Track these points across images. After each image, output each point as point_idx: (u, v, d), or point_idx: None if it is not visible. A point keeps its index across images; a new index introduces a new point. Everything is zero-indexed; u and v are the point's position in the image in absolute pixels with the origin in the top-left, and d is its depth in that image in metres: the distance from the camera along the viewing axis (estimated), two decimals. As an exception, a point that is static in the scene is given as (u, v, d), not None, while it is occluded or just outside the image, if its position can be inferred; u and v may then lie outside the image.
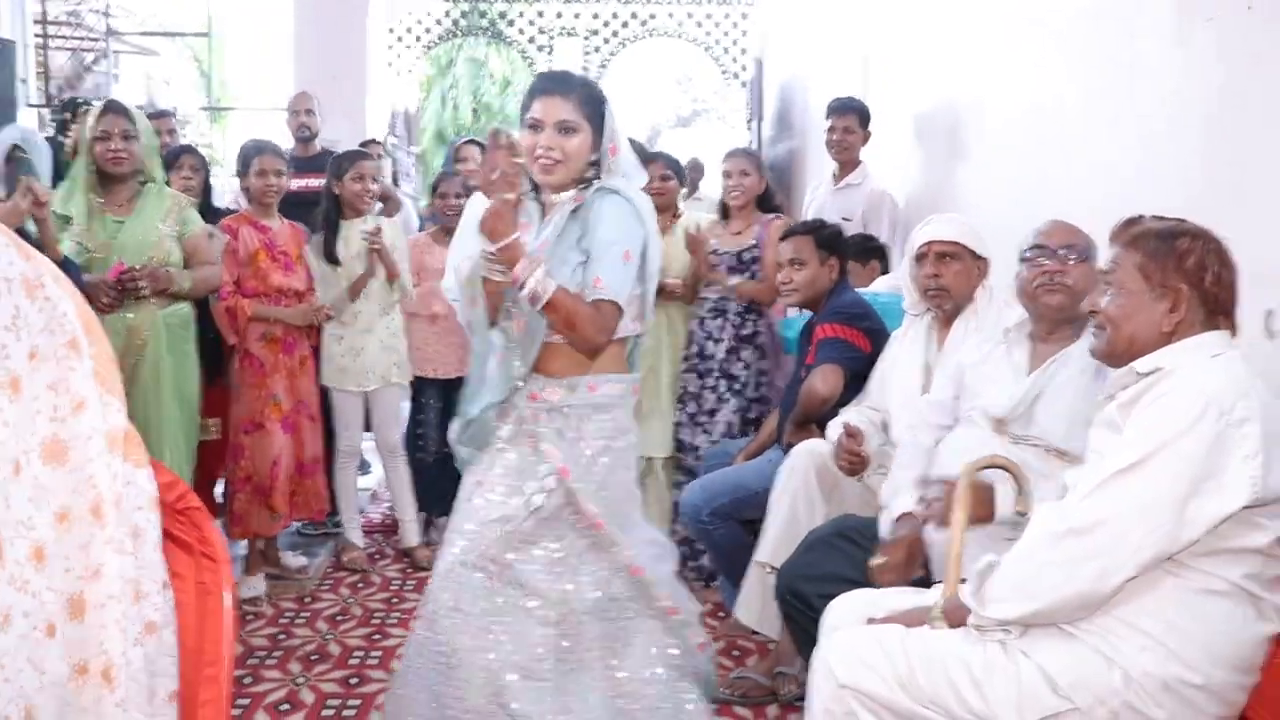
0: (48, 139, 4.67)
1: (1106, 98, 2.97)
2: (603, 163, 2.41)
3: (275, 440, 3.96)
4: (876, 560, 2.40)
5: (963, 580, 1.99)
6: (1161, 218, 1.92)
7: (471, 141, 5.47)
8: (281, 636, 3.70)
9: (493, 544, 2.38)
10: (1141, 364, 1.82)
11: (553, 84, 2.40)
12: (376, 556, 4.56)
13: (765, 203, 4.31)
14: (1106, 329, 1.88)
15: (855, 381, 3.31)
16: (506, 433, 2.43)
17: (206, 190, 4.49)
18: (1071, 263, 2.38)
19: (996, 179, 3.81)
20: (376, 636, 3.71)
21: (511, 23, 8.51)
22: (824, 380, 3.26)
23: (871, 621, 2.06)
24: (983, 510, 2.17)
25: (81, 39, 10.19)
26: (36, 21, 8.61)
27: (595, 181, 2.41)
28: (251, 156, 4.09)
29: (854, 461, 2.89)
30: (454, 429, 2.52)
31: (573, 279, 2.33)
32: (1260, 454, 1.64)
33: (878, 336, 3.39)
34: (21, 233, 3.02)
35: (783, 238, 3.67)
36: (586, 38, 8.43)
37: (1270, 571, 1.71)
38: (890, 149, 4.88)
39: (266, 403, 3.95)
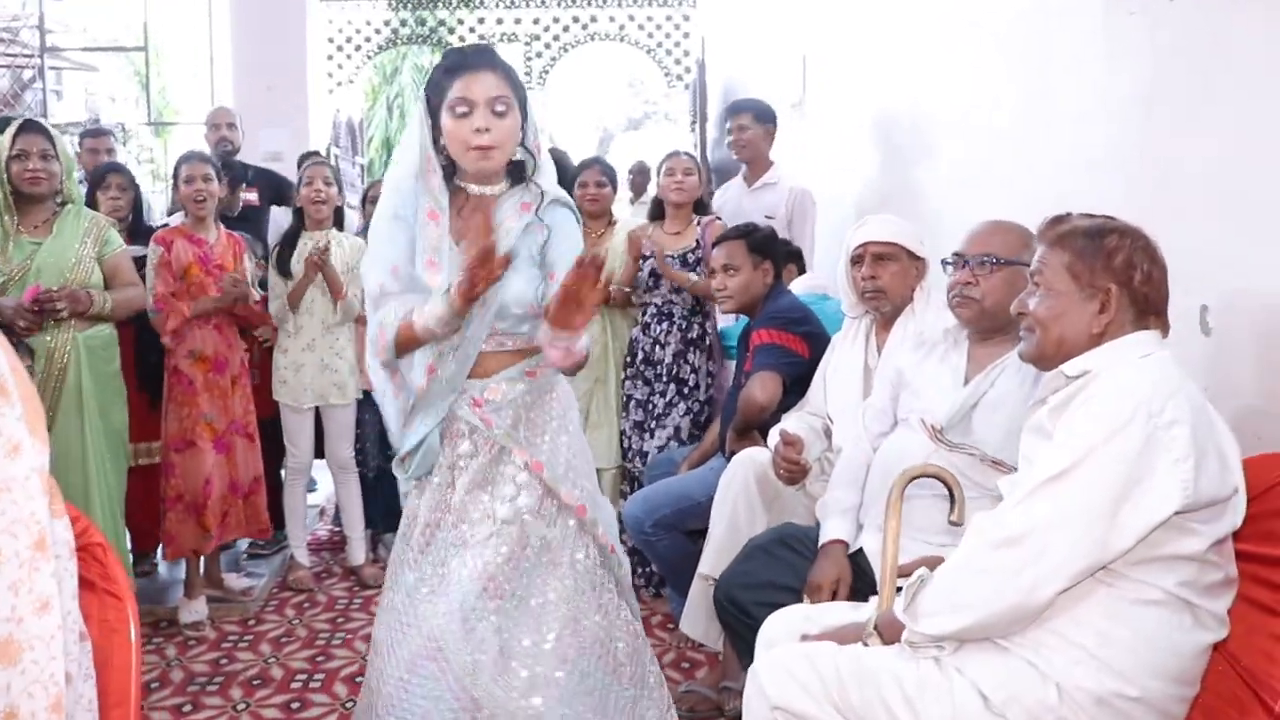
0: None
1: (1043, 97, 2.97)
2: (535, 158, 2.28)
3: (206, 459, 3.85)
4: (807, 586, 2.38)
5: (899, 590, 1.95)
6: (1090, 215, 1.88)
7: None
8: (223, 661, 3.60)
9: (497, 580, 2.22)
10: (1070, 367, 1.78)
11: (479, 59, 2.19)
12: (323, 575, 4.47)
13: (700, 205, 4.28)
14: (1035, 331, 1.84)
15: (796, 386, 3.26)
16: (465, 448, 2.28)
17: (137, 209, 4.39)
18: (987, 272, 2.33)
19: (936, 179, 3.81)
20: (320, 659, 3.62)
21: (452, 30, 8.42)
22: (762, 388, 3.21)
23: (805, 638, 2.01)
24: None
25: (16, 55, 9.96)
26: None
27: (534, 185, 2.28)
28: (180, 165, 4.01)
29: (793, 470, 2.84)
30: (395, 466, 2.38)
31: (536, 295, 2.23)
32: (1190, 457, 1.60)
33: (816, 340, 3.35)
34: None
35: (714, 243, 3.62)
36: (528, 43, 8.35)
37: (1206, 578, 1.67)
38: (828, 148, 4.86)
39: (197, 421, 3.84)
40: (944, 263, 2.46)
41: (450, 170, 2.28)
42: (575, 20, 8.37)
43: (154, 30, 9.81)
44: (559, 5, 8.35)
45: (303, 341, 4.20)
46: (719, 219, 4.25)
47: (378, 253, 2.27)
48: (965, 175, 3.51)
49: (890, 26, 4.27)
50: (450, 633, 2.16)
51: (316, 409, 4.29)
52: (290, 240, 4.22)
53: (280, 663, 3.58)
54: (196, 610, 3.91)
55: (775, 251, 3.57)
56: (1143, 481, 1.60)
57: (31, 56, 9.79)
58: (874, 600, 2.05)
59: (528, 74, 8.41)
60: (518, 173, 2.31)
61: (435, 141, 2.25)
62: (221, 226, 4.06)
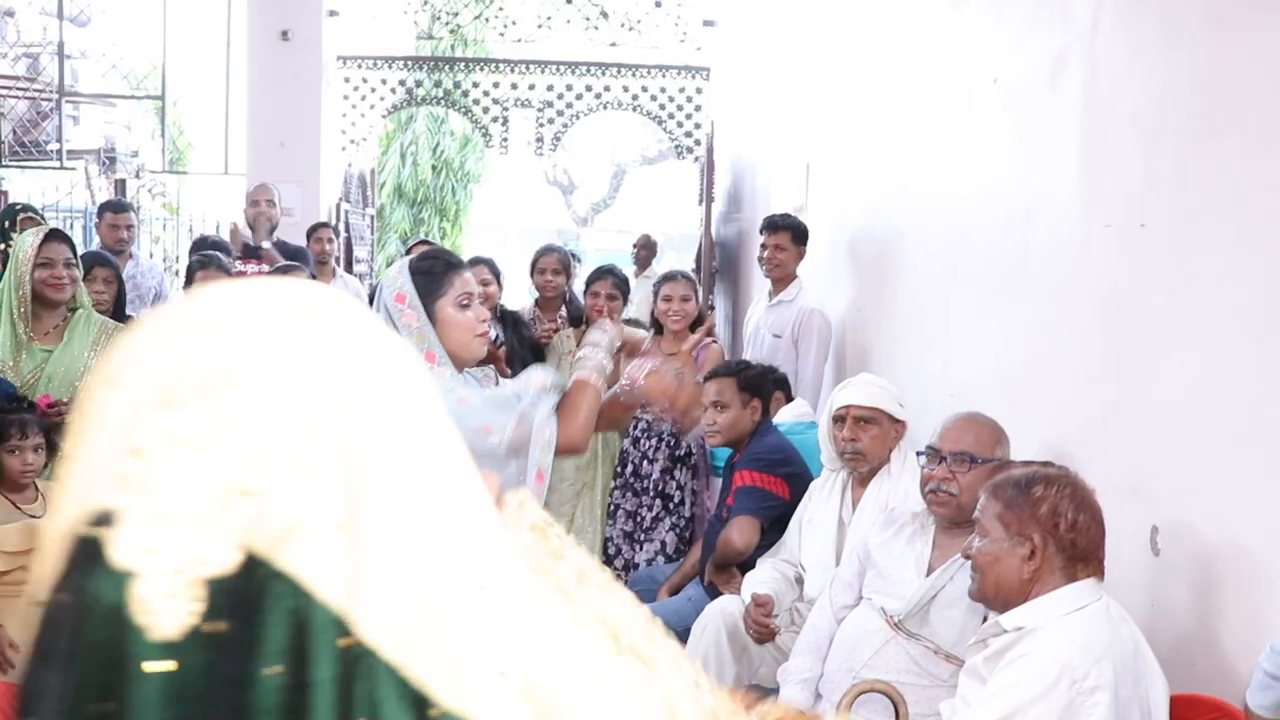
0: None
1: (1021, 259, 3.04)
2: None
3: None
4: None
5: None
6: (1028, 463, 2.01)
7: (424, 242, 5.52)
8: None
9: None
10: (1006, 619, 1.89)
11: (467, 260, 2.46)
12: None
13: (695, 325, 4.40)
14: (977, 574, 1.96)
15: (775, 525, 3.37)
16: None
17: (119, 301, 4.28)
18: (964, 469, 2.44)
19: (931, 292, 3.85)
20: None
21: (466, 93, 8.57)
22: (740, 533, 3.32)
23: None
24: None
25: (40, 91, 10.14)
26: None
27: None
28: (195, 270, 4.13)
29: (762, 632, 2.96)
30: None
31: None
32: (1109, 723, 1.71)
33: (797, 481, 3.46)
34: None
35: (706, 378, 3.73)
36: (540, 109, 8.51)
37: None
38: (826, 260, 4.96)
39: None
40: (919, 454, 2.58)
41: None
42: (588, 89, 8.52)
43: (171, 72, 9.96)
44: (573, 73, 8.51)
45: None
46: (715, 341, 4.36)
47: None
48: (950, 307, 3.59)
49: (889, 146, 4.38)
50: None
51: None
52: None
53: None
54: None
55: (765, 389, 3.69)
56: None
57: (52, 96, 9.93)
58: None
59: (539, 140, 8.56)
60: None
61: None
62: None
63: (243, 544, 0.58)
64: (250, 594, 0.58)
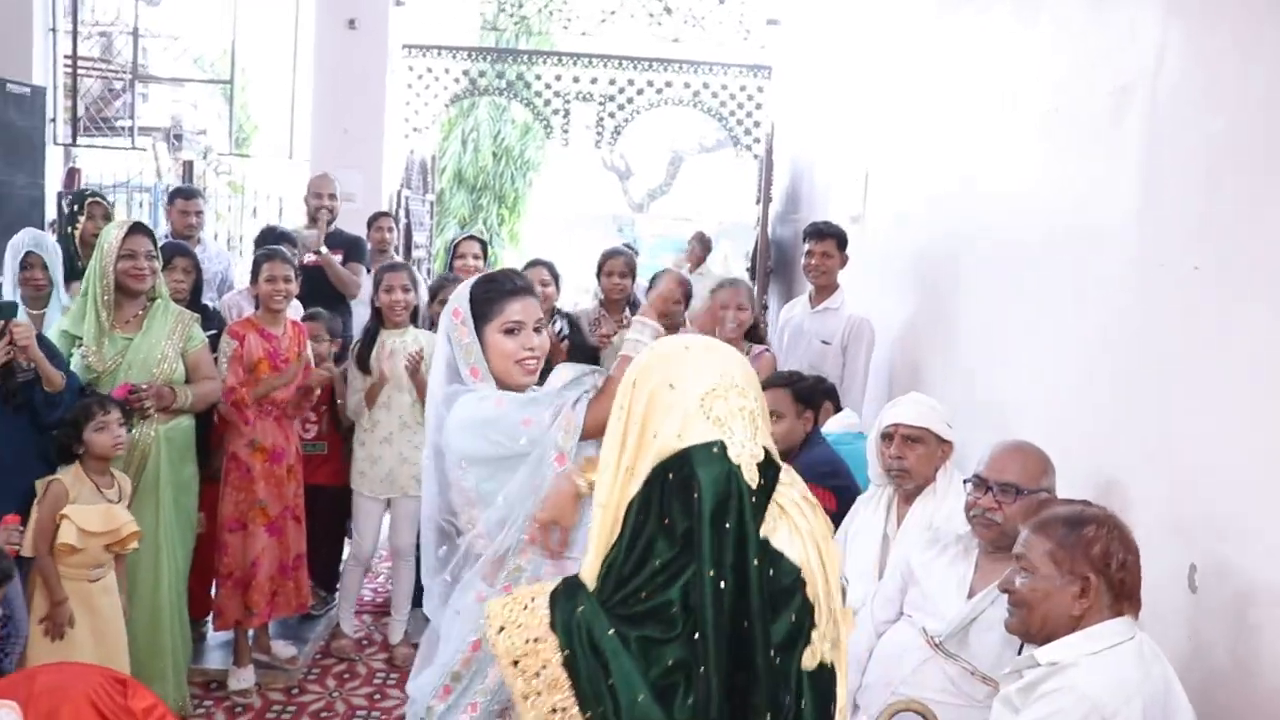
0: (60, 233, 4.84)
1: (1082, 260, 3.06)
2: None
3: (258, 541, 4.12)
4: None
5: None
6: (1069, 501, 2.08)
7: (471, 238, 5.63)
8: (266, 735, 3.88)
9: None
10: (1042, 654, 1.97)
11: (526, 286, 2.50)
12: (365, 643, 4.73)
13: (751, 332, 4.48)
14: (1021, 609, 2.03)
15: (822, 537, 3.45)
16: None
17: (196, 290, 4.50)
18: (1010, 499, 2.52)
19: (984, 314, 3.90)
20: (357, 739, 3.88)
21: (529, 85, 8.68)
22: (788, 544, 3.40)
23: None
24: None
25: (115, 72, 10.40)
26: (67, 57, 8.80)
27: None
28: (262, 263, 4.25)
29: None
30: None
31: None
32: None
33: (845, 494, 3.54)
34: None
35: (762, 387, 3.80)
36: (602, 103, 8.60)
37: None
38: (880, 272, 5.01)
39: (251, 506, 4.12)
40: (965, 481, 2.67)
41: None
42: (650, 84, 8.60)
43: (239, 55, 10.16)
44: (635, 68, 8.59)
45: (380, 435, 4.44)
46: (768, 350, 4.44)
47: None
48: (1007, 318, 3.64)
49: (945, 166, 4.42)
50: None
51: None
52: (370, 338, 4.46)
53: (320, 742, 3.85)
54: (244, 678, 4.18)
55: (816, 400, 3.76)
56: None
57: (124, 77, 10.17)
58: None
59: (599, 132, 8.66)
60: None
61: None
62: (289, 317, 4.32)
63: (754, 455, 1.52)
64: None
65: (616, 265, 4.90)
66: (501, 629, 1.48)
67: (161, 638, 3.73)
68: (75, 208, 4.67)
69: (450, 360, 2.45)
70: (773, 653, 1.47)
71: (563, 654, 1.44)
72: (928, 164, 4.63)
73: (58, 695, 1.87)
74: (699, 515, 1.46)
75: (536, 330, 2.45)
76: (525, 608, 1.50)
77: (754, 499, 1.50)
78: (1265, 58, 2.24)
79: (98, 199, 4.75)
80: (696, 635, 1.44)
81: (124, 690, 1.93)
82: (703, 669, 1.43)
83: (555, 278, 4.76)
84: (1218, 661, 2.23)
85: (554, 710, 1.43)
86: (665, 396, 1.55)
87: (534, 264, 4.85)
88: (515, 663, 1.46)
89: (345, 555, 4.92)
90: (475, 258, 5.40)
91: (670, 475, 1.50)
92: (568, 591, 1.53)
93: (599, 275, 5.03)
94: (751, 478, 1.51)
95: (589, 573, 1.56)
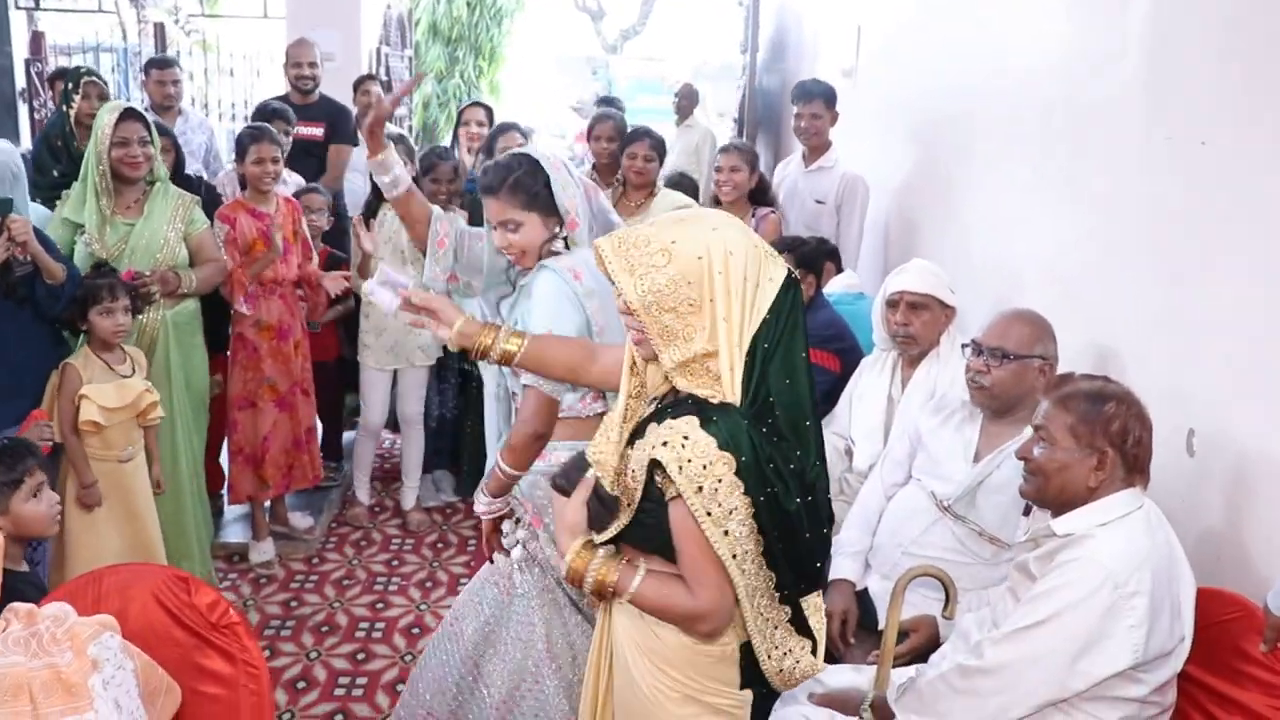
0: (52, 111, 4.71)
1: (1088, 117, 3.05)
2: (568, 236, 2.55)
3: (267, 417, 4.21)
4: None
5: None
6: (1090, 376, 2.16)
7: (476, 104, 5.55)
8: (293, 604, 4.04)
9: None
10: (1059, 525, 2.09)
11: (486, 184, 2.51)
12: (377, 509, 4.88)
13: (757, 195, 4.48)
14: (1038, 477, 2.14)
15: (826, 399, 3.56)
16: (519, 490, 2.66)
17: (179, 165, 4.41)
18: (998, 363, 2.64)
19: (976, 175, 3.92)
20: (380, 605, 4.05)
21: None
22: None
23: (812, 697, 2.38)
24: None
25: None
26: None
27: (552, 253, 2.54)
28: (248, 144, 4.14)
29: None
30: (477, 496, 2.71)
31: None
32: (1145, 624, 1.92)
33: (849, 355, 3.64)
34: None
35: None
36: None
37: (1145, 714, 2.02)
38: (876, 126, 4.98)
39: (260, 384, 4.18)
40: (963, 346, 2.76)
41: None
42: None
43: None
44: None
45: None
46: (773, 212, 4.45)
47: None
48: (1001, 178, 3.66)
49: (943, 20, 4.35)
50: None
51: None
52: (370, 212, 4.43)
53: (344, 608, 4.01)
54: (265, 550, 4.33)
55: (819, 263, 3.82)
56: (1101, 641, 1.94)
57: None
58: (872, 671, 2.39)
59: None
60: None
61: None
62: (279, 194, 4.28)
63: None
64: None
65: (605, 130, 4.83)
66: (680, 468, 1.63)
67: (184, 517, 3.84)
68: (69, 85, 4.55)
69: None
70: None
71: (736, 461, 1.63)
72: (926, 21, 4.56)
73: (125, 594, 1.97)
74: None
75: (508, 228, 2.49)
76: (683, 445, 1.64)
77: None
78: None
79: (93, 78, 4.61)
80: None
81: (187, 587, 2.04)
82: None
83: (659, 152, 4.63)
84: (1211, 521, 2.36)
85: (730, 511, 1.65)
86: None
87: (504, 129, 4.81)
88: (699, 489, 1.63)
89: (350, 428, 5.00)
90: (479, 124, 5.34)
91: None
92: (719, 415, 1.65)
93: (589, 139, 4.98)
94: None
95: None
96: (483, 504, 2.56)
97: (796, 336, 1.69)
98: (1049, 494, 2.13)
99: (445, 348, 2.84)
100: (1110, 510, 2.05)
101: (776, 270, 1.70)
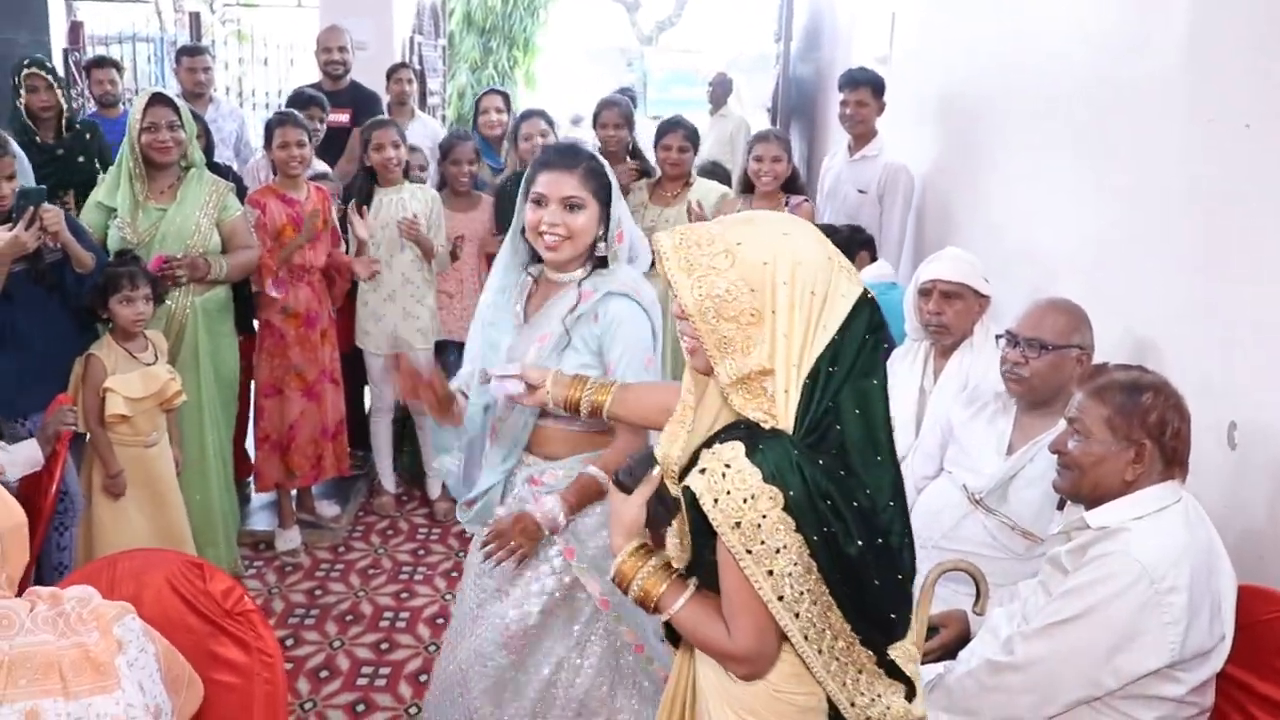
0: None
1: (1122, 104, 2.99)
2: (610, 247, 2.41)
3: (294, 406, 4.21)
4: None
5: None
6: (1126, 367, 2.09)
7: (493, 91, 5.52)
8: (318, 592, 4.03)
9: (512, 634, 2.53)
10: (1093, 518, 2.02)
11: (559, 158, 2.36)
12: (405, 499, 4.87)
13: (790, 184, 4.42)
14: (1073, 470, 2.07)
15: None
16: (504, 511, 2.50)
17: (208, 154, 4.38)
18: (1035, 354, 2.57)
19: (1007, 165, 3.86)
20: (404, 595, 4.03)
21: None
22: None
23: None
24: None
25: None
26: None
27: (596, 272, 2.41)
28: (274, 129, 4.15)
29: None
30: (459, 511, 2.64)
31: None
32: (1182, 620, 1.85)
33: (880, 347, 3.57)
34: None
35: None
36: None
37: (1182, 715, 1.95)
38: (911, 117, 4.90)
39: (287, 371, 4.18)
40: (997, 337, 2.70)
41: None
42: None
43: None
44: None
45: (383, 293, 4.45)
46: (806, 201, 4.40)
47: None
48: (1035, 166, 3.58)
49: (980, 4, 4.28)
50: (472, 671, 2.58)
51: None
52: (365, 198, 4.40)
53: (369, 597, 4.00)
54: (291, 539, 4.33)
55: (852, 251, 3.76)
56: (1136, 638, 1.87)
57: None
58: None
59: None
60: (602, 264, 2.44)
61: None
62: (310, 182, 4.27)
63: None
64: None
65: (611, 117, 4.82)
66: (715, 501, 1.48)
67: (211, 505, 3.84)
68: (15, 81, 4.56)
69: None
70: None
71: (784, 496, 1.46)
72: (962, 5, 4.48)
73: (140, 580, 1.96)
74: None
75: (570, 208, 2.32)
76: (724, 475, 1.48)
77: None
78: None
79: (37, 71, 4.61)
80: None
81: (202, 574, 2.02)
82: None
83: (693, 142, 4.63)
84: (1255, 517, 2.28)
85: (778, 550, 1.47)
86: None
87: (528, 115, 4.77)
88: (736, 525, 1.47)
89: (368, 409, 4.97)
90: (498, 111, 5.32)
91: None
92: (766, 443, 1.49)
93: (595, 126, 4.94)
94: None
95: None
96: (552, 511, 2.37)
97: (874, 362, 1.53)
98: (1084, 488, 2.07)
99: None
100: (1147, 503, 1.99)
101: (850, 286, 1.53)
